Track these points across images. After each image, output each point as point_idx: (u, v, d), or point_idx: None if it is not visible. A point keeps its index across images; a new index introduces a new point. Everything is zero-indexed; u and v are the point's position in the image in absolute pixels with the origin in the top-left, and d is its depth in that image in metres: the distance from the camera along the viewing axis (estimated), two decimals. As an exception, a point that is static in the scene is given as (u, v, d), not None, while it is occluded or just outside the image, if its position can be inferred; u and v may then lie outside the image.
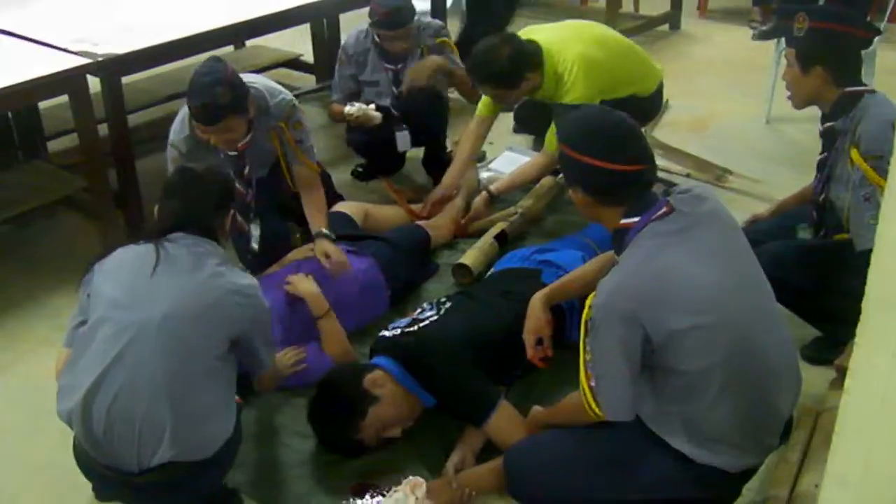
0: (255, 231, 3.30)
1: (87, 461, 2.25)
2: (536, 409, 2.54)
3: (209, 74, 2.90)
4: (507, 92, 3.63)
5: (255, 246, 3.29)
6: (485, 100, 3.88)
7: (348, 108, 3.94)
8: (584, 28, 3.94)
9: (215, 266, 2.27)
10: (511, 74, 3.55)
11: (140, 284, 2.22)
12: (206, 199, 2.37)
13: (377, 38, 4.04)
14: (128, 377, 2.14)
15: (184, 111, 3.14)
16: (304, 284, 2.96)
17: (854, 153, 2.69)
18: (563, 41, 3.66)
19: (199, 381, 2.20)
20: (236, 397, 2.35)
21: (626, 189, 2.13)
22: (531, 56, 3.59)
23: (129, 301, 2.21)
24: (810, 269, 2.81)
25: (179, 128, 3.16)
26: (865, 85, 2.83)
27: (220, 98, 2.89)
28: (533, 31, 3.79)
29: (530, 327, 2.65)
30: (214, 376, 2.23)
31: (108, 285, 2.26)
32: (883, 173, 2.58)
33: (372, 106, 3.95)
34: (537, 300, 2.68)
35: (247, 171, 3.23)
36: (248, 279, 2.35)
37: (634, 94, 3.84)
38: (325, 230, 3.18)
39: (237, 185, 3.12)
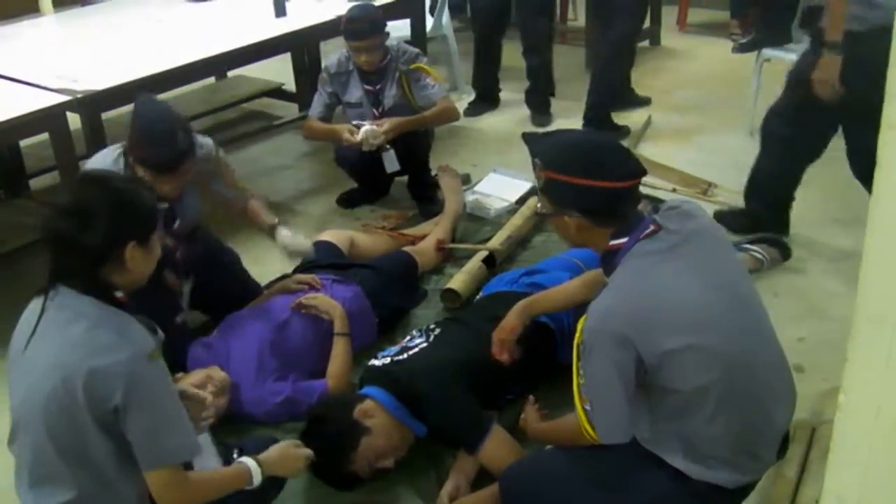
0: (187, 287, 3.03)
1: None
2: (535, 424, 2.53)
3: (162, 121, 2.69)
4: None
5: (183, 305, 3.01)
6: None
7: (354, 136, 3.89)
8: None
9: (82, 332, 1.84)
10: None
11: (16, 360, 1.96)
12: (80, 241, 1.85)
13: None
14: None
15: (112, 150, 2.85)
16: (329, 302, 3.00)
17: None
18: None
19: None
20: None
21: (621, 206, 2.11)
22: None
23: (10, 381, 1.99)
24: None
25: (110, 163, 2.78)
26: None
27: (181, 143, 2.68)
28: None
29: (500, 326, 2.69)
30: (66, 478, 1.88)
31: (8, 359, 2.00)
32: None
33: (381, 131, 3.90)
34: (518, 307, 2.71)
35: (177, 223, 2.92)
36: (123, 350, 1.81)
37: None
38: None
39: (167, 239, 2.74)
